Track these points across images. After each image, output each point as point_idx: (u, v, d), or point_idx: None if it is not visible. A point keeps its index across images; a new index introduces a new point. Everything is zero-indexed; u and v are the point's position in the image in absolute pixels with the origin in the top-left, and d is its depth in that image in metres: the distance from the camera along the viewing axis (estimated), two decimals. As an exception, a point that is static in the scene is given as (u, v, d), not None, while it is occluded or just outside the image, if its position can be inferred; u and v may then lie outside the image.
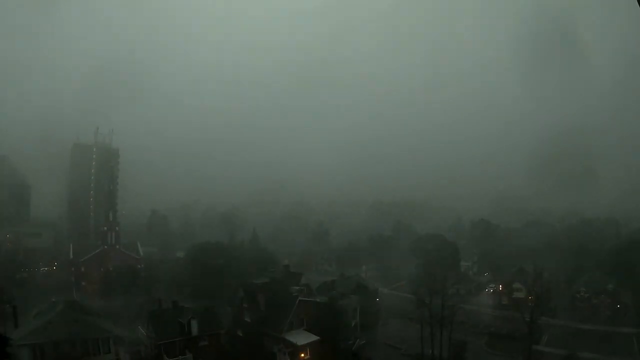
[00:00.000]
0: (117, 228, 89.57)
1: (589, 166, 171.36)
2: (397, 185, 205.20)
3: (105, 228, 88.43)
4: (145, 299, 74.11)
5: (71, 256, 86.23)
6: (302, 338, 48.86)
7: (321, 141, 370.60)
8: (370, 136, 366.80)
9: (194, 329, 48.15)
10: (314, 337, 49.11)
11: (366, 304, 68.17)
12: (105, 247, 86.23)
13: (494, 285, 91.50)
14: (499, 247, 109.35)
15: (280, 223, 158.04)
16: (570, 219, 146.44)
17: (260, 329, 51.88)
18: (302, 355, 48.01)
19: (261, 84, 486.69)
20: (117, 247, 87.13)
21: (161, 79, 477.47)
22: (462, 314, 64.86)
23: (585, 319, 72.68)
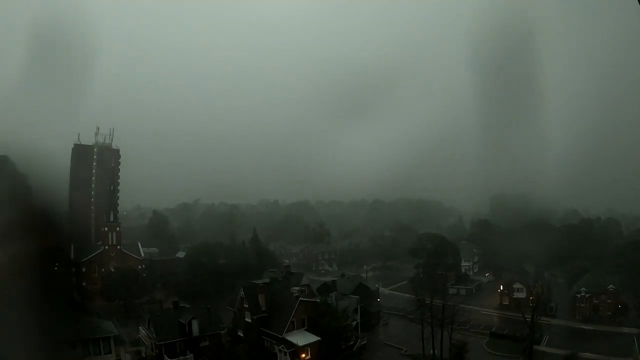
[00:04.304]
0: (117, 228, 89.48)
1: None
2: (397, 185, 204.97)
3: (106, 228, 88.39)
4: (146, 300, 74.35)
5: (72, 256, 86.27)
6: (303, 338, 48.95)
7: (322, 141, 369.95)
8: (370, 136, 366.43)
9: (195, 329, 48.24)
10: (314, 338, 49.19)
11: (367, 304, 68.27)
12: (106, 247, 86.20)
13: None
14: (499, 247, 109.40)
15: (280, 223, 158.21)
16: (570, 219, 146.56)
17: (261, 330, 52.00)
18: (303, 355, 48.10)
19: (263, 84, 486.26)
20: (118, 247, 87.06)
21: (162, 79, 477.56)
22: (463, 314, 64.92)
23: (586, 319, 72.79)
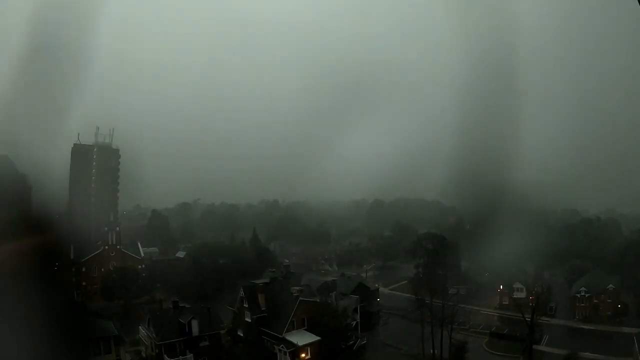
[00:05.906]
0: (117, 228, 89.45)
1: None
2: (397, 185, 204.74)
3: (106, 228, 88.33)
4: (146, 300, 74.37)
5: (72, 256, 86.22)
6: (303, 338, 48.92)
7: (322, 141, 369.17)
8: (370, 136, 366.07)
9: (195, 329, 48.16)
10: (314, 337, 49.15)
11: (367, 303, 68.27)
12: (106, 247, 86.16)
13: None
14: (499, 247, 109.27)
15: (280, 223, 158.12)
16: (570, 219, 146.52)
17: (261, 329, 51.98)
18: (303, 355, 48.06)
19: (263, 84, 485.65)
20: (118, 247, 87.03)
21: (163, 79, 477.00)
22: (463, 313, 64.93)
23: (585, 319, 72.82)
